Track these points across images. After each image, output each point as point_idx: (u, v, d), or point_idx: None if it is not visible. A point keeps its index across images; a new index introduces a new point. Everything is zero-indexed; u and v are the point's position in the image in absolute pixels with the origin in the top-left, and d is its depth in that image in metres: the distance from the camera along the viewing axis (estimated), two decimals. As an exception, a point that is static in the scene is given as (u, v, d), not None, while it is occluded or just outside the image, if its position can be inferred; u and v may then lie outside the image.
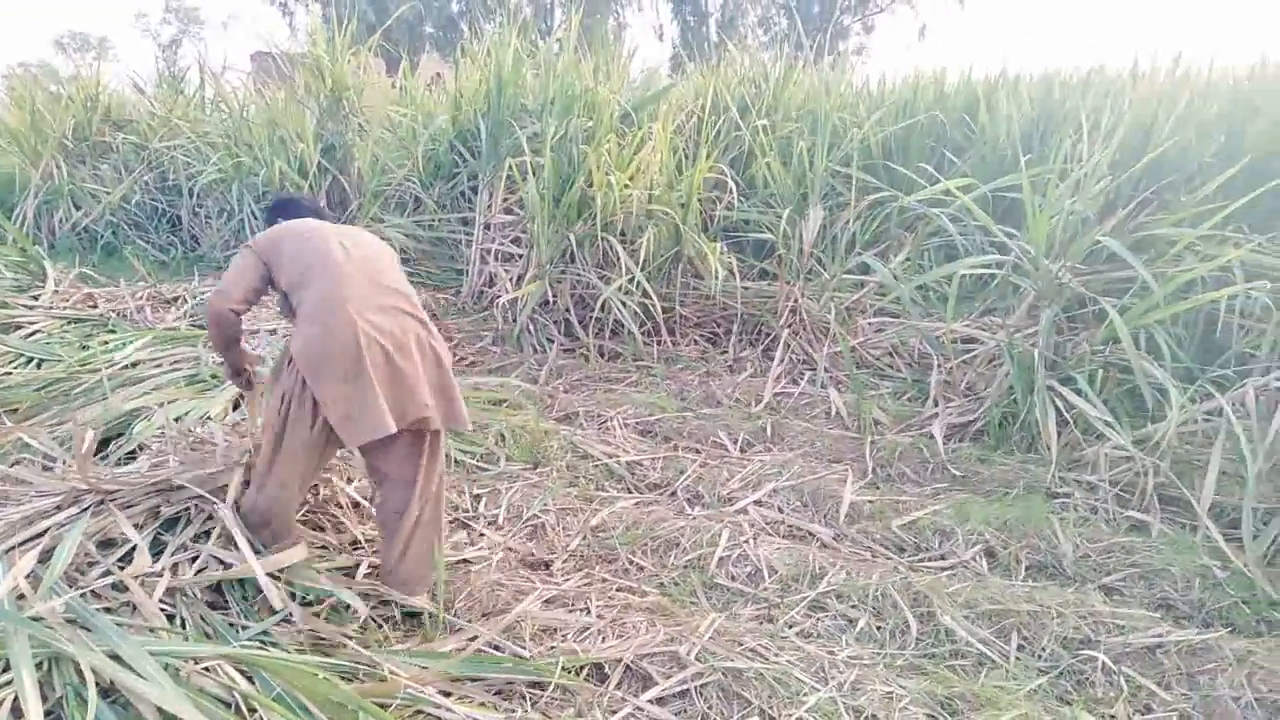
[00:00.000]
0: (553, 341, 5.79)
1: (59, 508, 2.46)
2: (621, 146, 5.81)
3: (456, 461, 3.91)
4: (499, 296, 6.21)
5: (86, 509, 2.49)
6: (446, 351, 2.69)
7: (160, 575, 2.24)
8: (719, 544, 3.17)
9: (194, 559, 2.46)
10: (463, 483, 3.73)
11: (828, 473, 3.82)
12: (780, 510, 3.51)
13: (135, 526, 2.45)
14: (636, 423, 4.48)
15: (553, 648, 2.60)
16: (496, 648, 2.59)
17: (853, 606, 2.86)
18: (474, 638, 2.62)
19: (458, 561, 3.06)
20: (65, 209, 8.45)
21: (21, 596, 2.12)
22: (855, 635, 2.74)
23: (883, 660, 2.61)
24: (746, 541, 3.20)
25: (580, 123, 6.01)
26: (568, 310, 5.90)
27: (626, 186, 5.52)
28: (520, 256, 6.46)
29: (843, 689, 2.39)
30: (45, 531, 2.37)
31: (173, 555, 2.42)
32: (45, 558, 2.25)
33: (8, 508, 2.54)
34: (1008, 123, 6.63)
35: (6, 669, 1.85)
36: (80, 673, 1.86)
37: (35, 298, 5.08)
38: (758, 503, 3.57)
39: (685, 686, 2.40)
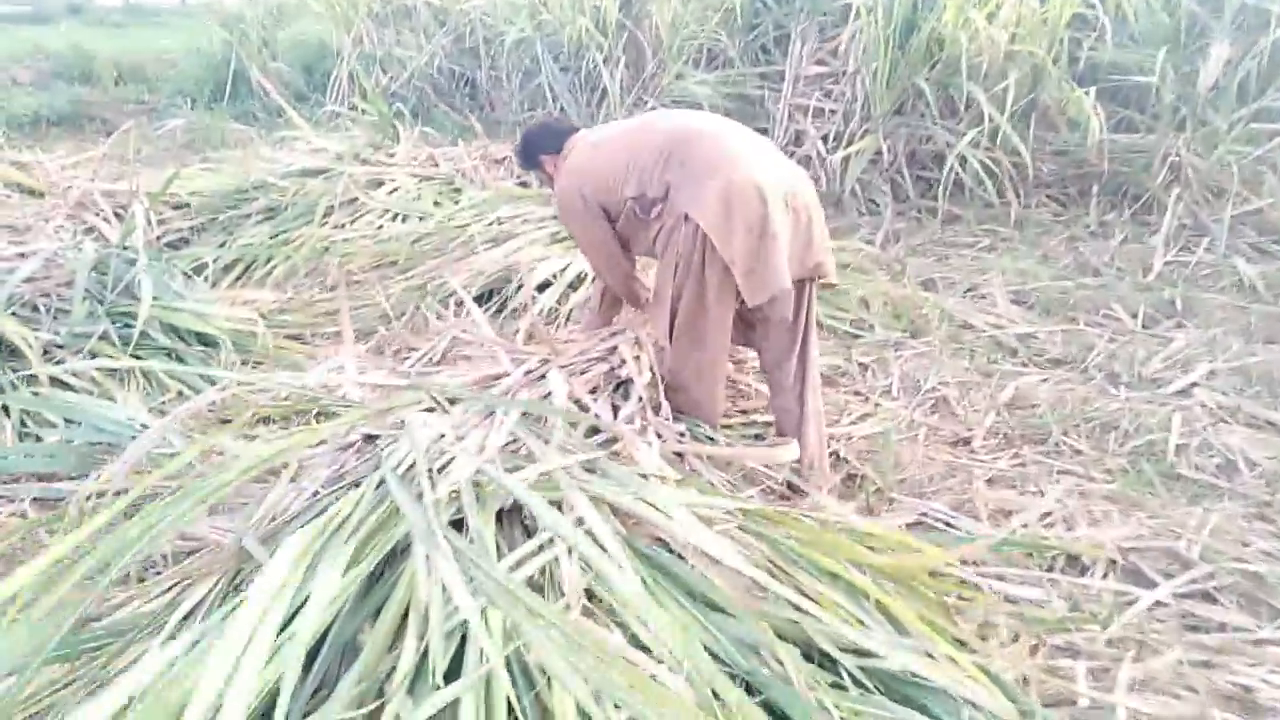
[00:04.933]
0: (880, 202, 5.40)
1: (526, 373, 2.46)
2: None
3: (828, 328, 3.71)
4: (808, 155, 5.86)
5: (539, 374, 2.48)
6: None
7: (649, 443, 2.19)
8: (1171, 429, 2.79)
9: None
10: (840, 349, 3.53)
11: (1269, 355, 3.29)
12: (1225, 394, 3.06)
13: (590, 392, 2.42)
14: (1009, 291, 4.08)
15: (1015, 531, 2.39)
16: (949, 524, 2.41)
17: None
18: (923, 513, 2.46)
19: (875, 433, 2.88)
20: (376, 74, 8.79)
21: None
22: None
23: None
24: (1205, 429, 2.80)
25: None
26: (898, 169, 5.47)
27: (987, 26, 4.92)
28: (832, 111, 6.03)
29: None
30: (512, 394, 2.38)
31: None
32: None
33: (463, 368, 2.59)
34: None
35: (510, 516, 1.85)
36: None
37: (391, 155, 5.29)
38: (1194, 385, 3.13)
39: (1195, 587, 2.12)
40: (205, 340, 3.47)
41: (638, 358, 2.58)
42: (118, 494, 2.03)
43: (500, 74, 8.61)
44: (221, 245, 4.46)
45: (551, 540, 1.74)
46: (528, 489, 1.81)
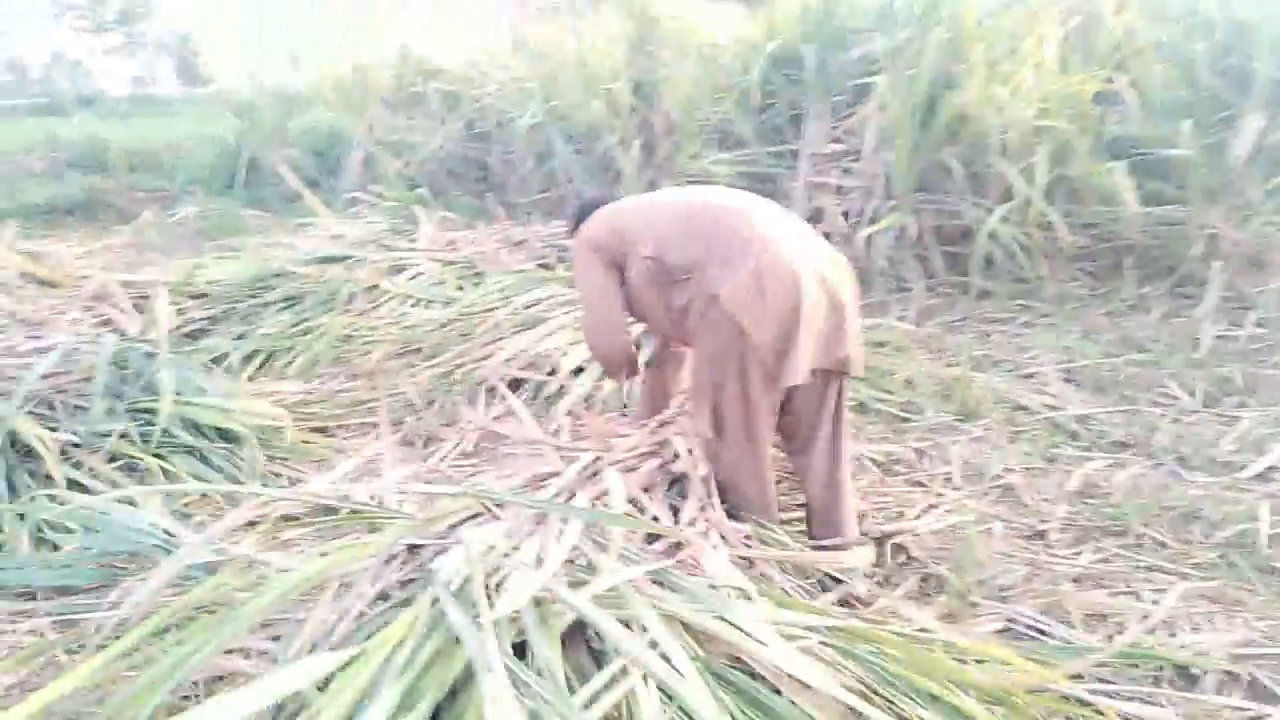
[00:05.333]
0: (909, 279, 5.30)
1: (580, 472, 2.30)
2: (990, 58, 5.16)
3: (876, 410, 3.56)
4: (827, 232, 5.79)
5: (590, 471, 2.32)
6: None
7: (715, 547, 2.02)
8: (1260, 519, 2.62)
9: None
10: (891, 433, 3.38)
11: (1348, 434, 3.14)
12: (1309, 479, 2.90)
13: (644, 490, 2.26)
14: (1057, 369, 3.94)
15: (1111, 636, 2.20)
16: (1041, 631, 2.22)
17: None
18: (1010, 618, 2.27)
19: (948, 527, 2.70)
20: (388, 159, 8.83)
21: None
22: None
23: None
24: (1296, 517, 2.64)
25: (939, 33, 5.39)
26: (924, 245, 5.39)
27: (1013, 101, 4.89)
28: (852, 189, 5.98)
29: None
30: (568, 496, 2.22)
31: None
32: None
33: (509, 466, 2.44)
34: None
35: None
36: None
37: (412, 240, 5.22)
38: (1272, 468, 2.97)
39: (1322, 701, 1.93)
40: (227, 435, 3.32)
41: (691, 451, 2.42)
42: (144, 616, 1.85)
43: (513, 157, 8.65)
44: (241, 335, 4.35)
45: (625, 669, 1.56)
46: (596, 608, 1.63)
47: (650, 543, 2.05)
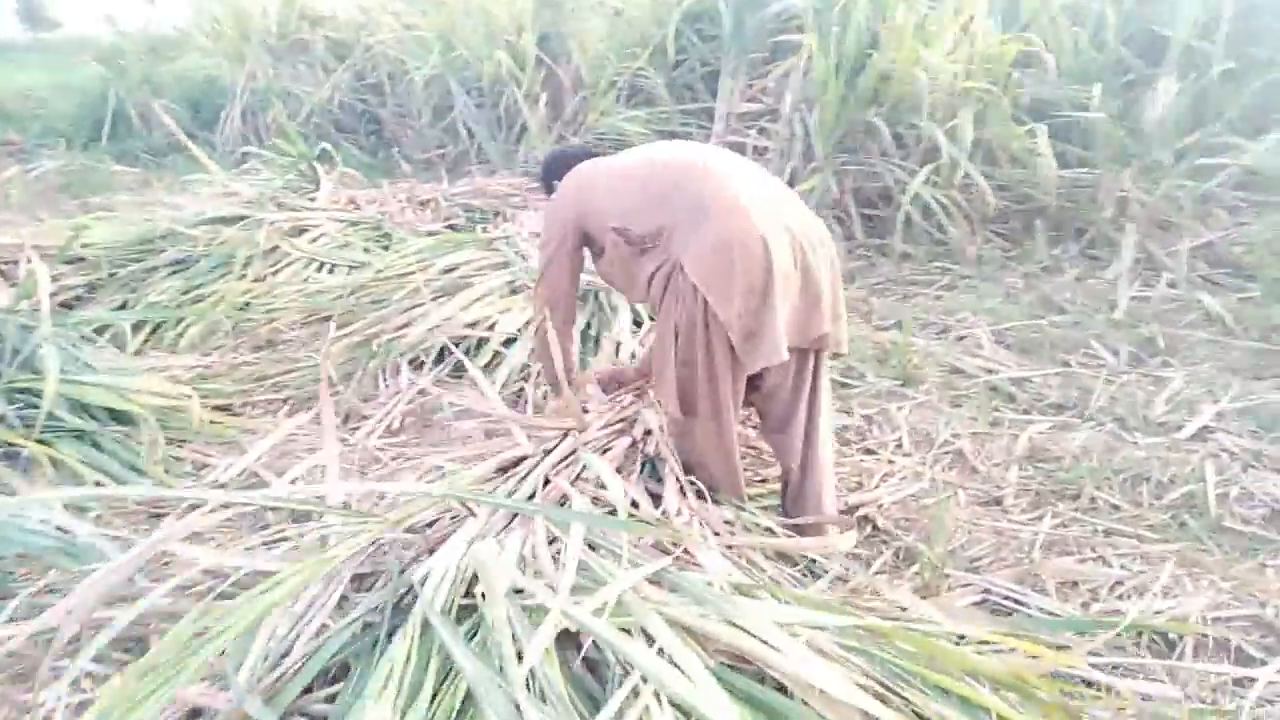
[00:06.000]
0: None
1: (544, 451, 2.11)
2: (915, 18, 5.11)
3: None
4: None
5: (552, 450, 2.15)
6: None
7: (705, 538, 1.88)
8: (1206, 479, 2.66)
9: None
10: (836, 400, 3.31)
11: (1273, 393, 3.24)
12: (1241, 437, 2.96)
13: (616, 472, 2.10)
14: (987, 332, 3.96)
15: (1085, 604, 2.19)
16: (1018, 602, 2.19)
17: None
18: (985, 589, 2.23)
19: (910, 497, 2.65)
20: (276, 110, 8.26)
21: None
22: None
23: None
24: (1238, 476, 2.69)
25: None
26: (844, 208, 5.35)
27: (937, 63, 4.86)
28: (768, 150, 5.90)
29: None
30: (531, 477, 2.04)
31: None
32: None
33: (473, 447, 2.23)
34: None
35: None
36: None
37: (312, 199, 4.84)
38: (1207, 428, 3.04)
39: (1299, 663, 1.95)
40: (120, 417, 2.99)
41: (661, 428, 2.28)
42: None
43: (407, 110, 8.22)
44: (124, 305, 3.94)
45: (635, 689, 1.41)
46: (605, 625, 1.47)
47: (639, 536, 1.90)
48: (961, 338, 3.92)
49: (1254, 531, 2.48)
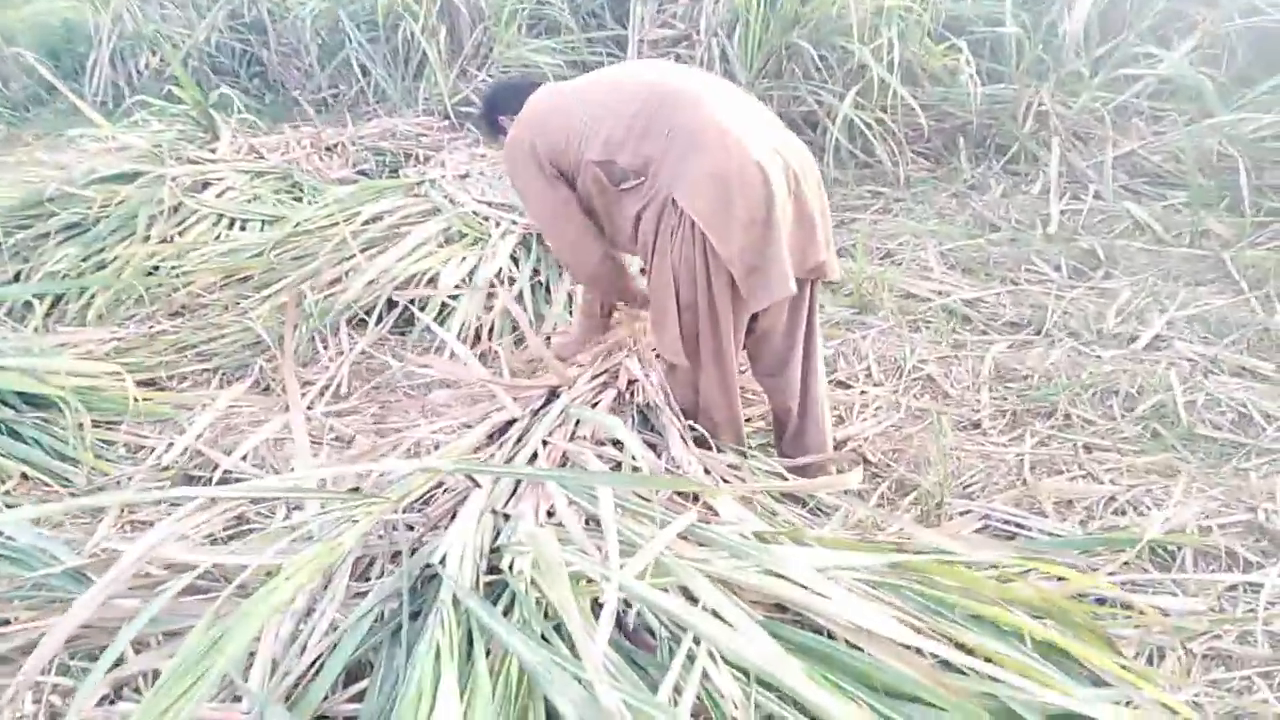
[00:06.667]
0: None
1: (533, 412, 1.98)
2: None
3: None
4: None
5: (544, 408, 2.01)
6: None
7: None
8: (1174, 389, 2.72)
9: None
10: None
11: (1215, 298, 3.33)
12: (1194, 344, 3.04)
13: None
14: (933, 254, 3.96)
15: (1083, 522, 2.21)
16: (1019, 525, 2.19)
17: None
18: (985, 515, 2.22)
19: (891, 427, 2.62)
20: (145, 55, 7.62)
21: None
22: None
23: None
24: (1202, 383, 2.75)
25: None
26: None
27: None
28: (684, 77, 5.74)
29: None
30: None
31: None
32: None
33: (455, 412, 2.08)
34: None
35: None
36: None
37: (212, 150, 4.46)
38: (1160, 337, 3.10)
39: (1296, 563, 2.01)
40: (33, 401, 2.71)
41: (648, 376, 2.17)
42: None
43: (294, 49, 7.70)
44: (19, 277, 3.57)
45: (690, 654, 1.33)
46: (652, 589, 1.38)
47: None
48: (905, 261, 3.91)
49: (1225, 437, 2.55)
